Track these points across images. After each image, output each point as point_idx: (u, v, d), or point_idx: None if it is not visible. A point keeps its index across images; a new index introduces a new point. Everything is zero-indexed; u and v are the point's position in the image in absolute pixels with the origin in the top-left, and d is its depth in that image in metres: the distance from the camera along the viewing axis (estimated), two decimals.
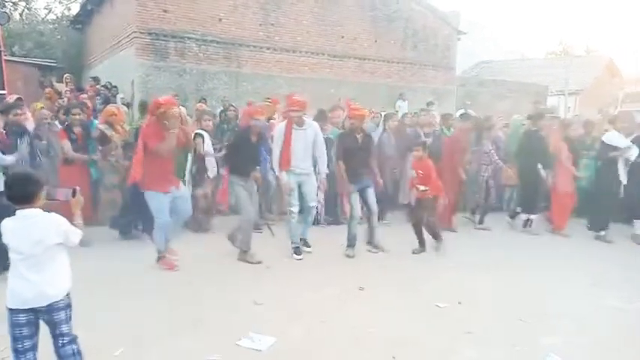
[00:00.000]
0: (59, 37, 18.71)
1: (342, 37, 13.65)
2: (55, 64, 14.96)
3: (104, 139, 5.47)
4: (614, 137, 6.24)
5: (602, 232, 6.30)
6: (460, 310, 3.87)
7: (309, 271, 4.76)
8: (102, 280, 4.23)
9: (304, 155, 5.07)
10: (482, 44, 26.43)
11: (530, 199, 6.53)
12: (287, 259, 5.06)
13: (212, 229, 6.03)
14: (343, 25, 13.60)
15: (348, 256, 5.20)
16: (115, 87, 11.31)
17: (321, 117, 6.38)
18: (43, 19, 20.90)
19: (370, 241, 5.45)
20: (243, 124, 5.64)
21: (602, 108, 11.54)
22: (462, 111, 8.67)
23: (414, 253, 5.36)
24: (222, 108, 9.05)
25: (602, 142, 6.34)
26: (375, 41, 14.21)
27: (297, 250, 5.13)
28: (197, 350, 3.09)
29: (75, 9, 18.82)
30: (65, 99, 8.89)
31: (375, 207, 5.34)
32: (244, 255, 4.90)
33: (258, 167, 5.10)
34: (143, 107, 6.17)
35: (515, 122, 7.94)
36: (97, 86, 11.41)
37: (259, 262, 4.82)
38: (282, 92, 11.71)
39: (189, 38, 11.59)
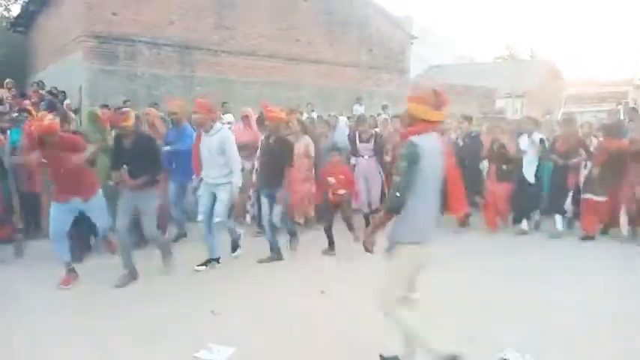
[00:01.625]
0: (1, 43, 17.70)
1: (298, 40, 13.68)
2: None
3: None
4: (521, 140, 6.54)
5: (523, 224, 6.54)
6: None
7: (271, 277, 4.71)
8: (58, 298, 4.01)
9: (210, 163, 4.69)
10: (434, 49, 27.22)
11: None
12: (246, 265, 4.99)
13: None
14: (299, 29, 13.65)
15: (261, 261, 5.06)
16: (63, 92, 10.81)
17: (260, 120, 6.28)
18: None
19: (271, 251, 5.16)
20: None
21: (547, 109, 12.12)
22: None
23: (324, 254, 5.40)
24: None
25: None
26: (331, 45, 14.34)
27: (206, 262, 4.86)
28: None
29: (16, 11, 17.87)
30: (7, 105, 8.40)
31: (274, 220, 5.04)
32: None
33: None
34: (92, 117, 5.83)
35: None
36: (42, 92, 10.85)
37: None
38: (237, 96, 11.62)
39: (139, 41, 11.25)
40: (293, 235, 5.49)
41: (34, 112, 5.80)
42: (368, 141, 6.28)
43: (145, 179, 4.31)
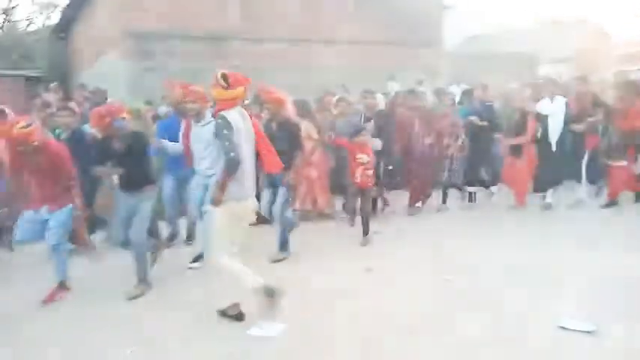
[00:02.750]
0: (43, 47, 18.52)
1: (327, 23, 13.50)
2: (41, 75, 14.81)
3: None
4: (543, 105, 6.17)
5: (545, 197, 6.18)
6: (465, 282, 3.87)
7: (307, 262, 4.71)
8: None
9: (202, 154, 4.33)
10: (469, 18, 26.24)
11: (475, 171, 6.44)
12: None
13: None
14: (327, 12, 13.46)
15: (273, 260, 4.60)
16: (105, 91, 11.21)
17: (256, 102, 5.92)
18: (24, 30, 20.66)
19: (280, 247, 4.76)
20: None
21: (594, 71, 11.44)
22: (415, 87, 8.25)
23: (362, 245, 5.02)
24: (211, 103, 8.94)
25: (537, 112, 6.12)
26: (361, 24, 14.07)
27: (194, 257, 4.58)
28: (211, 340, 3.10)
29: (56, 18, 18.61)
30: (54, 108, 8.79)
31: (279, 211, 4.60)
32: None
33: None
34: (136, 114, 6.00)
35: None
36: (85, 92, 11.29)
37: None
38: (270, 83, 11.64)
39: (172, 37, 11.46)
40: (282, 237, 4.73)
41: (76, 111, 6.00)
42: (371, 120, 6.00)
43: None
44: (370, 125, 5.81)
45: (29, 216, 3.91)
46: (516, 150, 6.11)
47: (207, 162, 4.28)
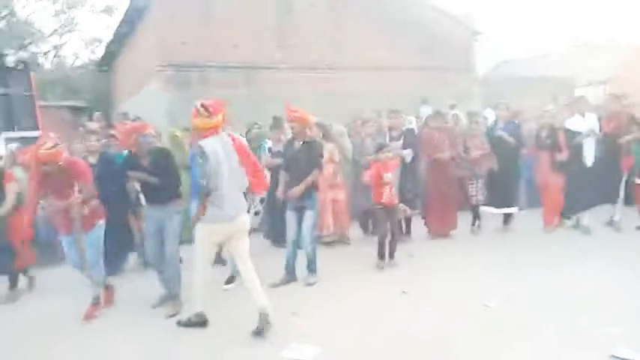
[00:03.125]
0: (88, 80, 19.54)
1: (358, 49, 13.73)
2: (85, 106, 15.59)
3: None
4: (574, 122, 5.90)
5: (579, 219, 5.95)
6: (509, 309, 3.72)
7: (339, 286, 4.66)
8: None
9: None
10: (500, 44, 26.12)
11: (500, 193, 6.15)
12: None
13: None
14: (358, 38, 13.70)
15: (274, 285, 4.44)
16: (143, 119, 11.69)
17: (276, 125, 5.98)
18: (71, 65, 21.89)
19: (309, 267, 4.68)
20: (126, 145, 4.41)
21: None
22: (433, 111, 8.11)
23: (377, 267, 4.89)
24: (246, 129, 9.15)
25: (567, 128, 5.93)
26: (393, 50, 14.22)
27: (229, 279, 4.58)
28: None
29: (100, 52, 19.64)
30: (98, 136, 9.20)
31: (308, 233, 4.52)
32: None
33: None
34: (172, 138, 6.30)
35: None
36: (126, 121, 11.79)
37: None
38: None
39: (209, 67, 11.90)
40: (311, 260, 4.66)
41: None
42: (399, 138, 5.97)
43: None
44: (397, 144, 5.77)
45: (67, 241, 3.97)
46: (549, 167, 5.95)
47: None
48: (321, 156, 4.73)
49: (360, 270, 4.93)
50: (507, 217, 6.27)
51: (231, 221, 3.51)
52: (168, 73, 11.49)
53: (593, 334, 3.17)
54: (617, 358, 2.84)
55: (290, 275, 4.65)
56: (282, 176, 4.78)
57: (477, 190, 6.16)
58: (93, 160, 4.92)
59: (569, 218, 6.16)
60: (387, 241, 4.95)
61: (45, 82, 17.51)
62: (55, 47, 21.21)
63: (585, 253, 5.10)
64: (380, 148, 5.09)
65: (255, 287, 3.52)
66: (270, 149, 6.09)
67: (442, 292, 4.17)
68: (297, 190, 4.46)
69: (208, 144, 3.37)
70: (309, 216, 4.53)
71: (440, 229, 6.10)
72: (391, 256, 4.97)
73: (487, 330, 3.36)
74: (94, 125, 11.31)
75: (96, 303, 4.06)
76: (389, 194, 4.93)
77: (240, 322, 3.78)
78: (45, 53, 20.89)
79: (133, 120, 11.62)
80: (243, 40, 12.26)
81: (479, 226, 6.30)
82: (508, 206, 6.19)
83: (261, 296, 3.50)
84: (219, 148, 3.40)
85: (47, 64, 21.04)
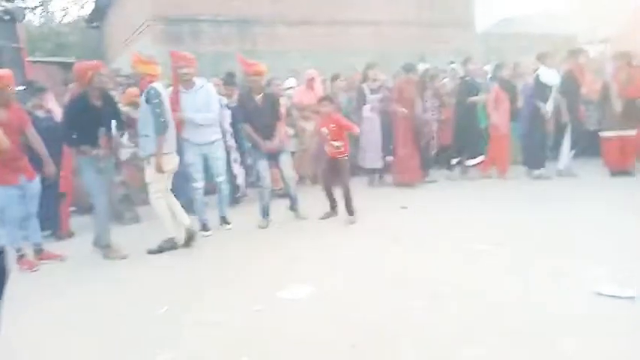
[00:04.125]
0: (77, 37, 19.02)
1: (354, 4, 13.33)
2: (75, 62, 15.26)
3: (130, 122, 5.45)
4: (545, 75, 6.31)
5: (541, 170, 6.39)
6: (498, 251, 3.78)
7: (333, 232, 4.73)
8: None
9: (196, 123, 4.48)
10: (502, 1, 25.43)
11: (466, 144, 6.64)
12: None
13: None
14: None
15: (260, 227, 4.82)
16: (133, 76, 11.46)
17: (230, 81, 6.03)
18: (60, 21, 21.25)
19: (292, 208, 5.09)
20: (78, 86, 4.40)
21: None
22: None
23: (322, 218, 4.98)
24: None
25: (537, 80, 6.37)
26: (389, 5, 13.83)
27: (204, 227, 4.71)
28: (240, 302, 3.15)
29: (89, 7, 19.03)
30: None
31: (290, 173, 4.91)
32: (107, 251, 4.21)
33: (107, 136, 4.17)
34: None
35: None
36: (117, 78, 11.55)
37: (124, 257, 4.18)
38: (298, 67, 11.63)
39: (201, 21, 11.55)
40: (296, 199, 5.08)
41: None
42: (377, 92, 6.35)
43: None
44: (374, 97, 6.33)
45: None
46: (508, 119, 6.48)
47: (204, 129, 4.53)
48: (279, 108, 4.96)
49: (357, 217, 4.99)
50: (472, 167, 6.68)
51: (173, 154, 4.22)
52: (159, 28, 11.16)
53: (580, 273, 3.23)
54: (602, 294, 2.89)
55: (267, 219, 4.93)
56: (247, 129, 4.86)
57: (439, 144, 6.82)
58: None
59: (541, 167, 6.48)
60: (332, 192, 4.98)
61: (33, 38, 17.03)
62: (43, 2, 20.51)
63: (565, 197, 5.37)
64: (320, 101, 5.01)
65: (179, 211, 4.25)
66: (227, 105, 5.84)
67: (434, 238, 4.23)
68: (273, 145, 4.75)
69: (158, 86, 4.04)
70: (285, 159, 4.91)
71: (403, 179, 6.36)
72: (349, 212, 4.82)
73: (476, 270, 3.42)
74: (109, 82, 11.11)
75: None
76: (331, 147, 4.79)
77: (235, 262, 3.86)
78: (33, 8, 20.21)
79: (126, 77, 11.42)
80: None
81: (449, 169, 6.74)
82: (475, 156, 6.59)
83: (185, 218, 4.26)
84: (164, 92, 4.11)
85: (35, 20, 20.42)
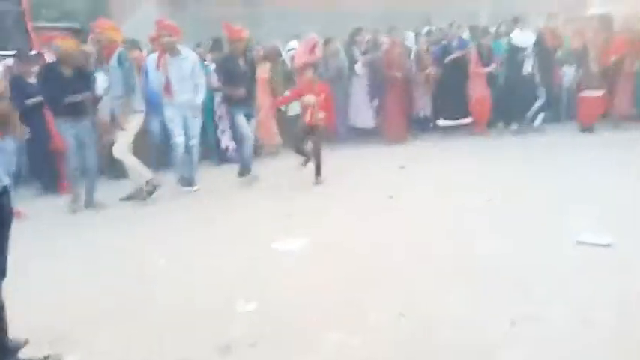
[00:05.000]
0: (82, 2, 18.85)
1: None
2: (80, 28, 15.21)
3: None
4: (517, 37, 6.66)
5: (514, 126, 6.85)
6: (488, 209, 3.91)
7: (329, 188, 4.87)
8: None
9: (181, 87, 4.71)
10: None
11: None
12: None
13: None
14: None
15: (242, 182, 5.04)
16: (138, 42, 11.43)
17: (217, 47, 6.21)
18: None
19: (241, 173, 5.14)
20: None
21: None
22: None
23: (302, 165, 5.12)
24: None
25: (509, 43, 6.76)
26: None
27: (184, 181, 4.94)
28: (238, 252, 3.33)
29: None
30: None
31: (249, 134, 5.04)
32: (73, 205, 4.53)
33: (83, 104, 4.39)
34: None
35: None
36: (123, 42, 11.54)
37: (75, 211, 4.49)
38: (302, 29, 11.52)
39: None
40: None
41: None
42: (366, 54, 6.55)
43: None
44: (365, 58, 6.57)
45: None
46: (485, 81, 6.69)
47: (187, 94, 4.73)
48: (255, 73, 5.31)
49: (349, 178, 5.16)
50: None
51: (139, 113, 4.61)
52: None
53: (564, 226, 3.36)
54: (583, 242, 3.03)
55: (249, 174, 5.14)
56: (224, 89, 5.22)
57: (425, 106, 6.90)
58: None
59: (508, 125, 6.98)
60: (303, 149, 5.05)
61: (38, 4, 16.94)
62: None
63: (545, 155, 5.65)
64: (302, 66, 5.26)
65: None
66: (215, 71, 5.93)
67: (428, 197, 4.35)
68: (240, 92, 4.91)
69: (125, 53, 4.48)
70: (252, 123, 5.16)
71: (392, 138, 6.62)
72: (317, 172, 4.93)
73: (468, 226, 3.55)
74: (88, 47, 11.15)
75: None
76: (309, 115, 4.85)
77: (232, 216, 4.03)
78: None
79: (129, 42, 11.40)
80: None
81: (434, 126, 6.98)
82: (463, 117, 6.83)
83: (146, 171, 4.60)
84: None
85: None
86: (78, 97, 4.30)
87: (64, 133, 4.43)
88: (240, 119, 5.03)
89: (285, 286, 2.79)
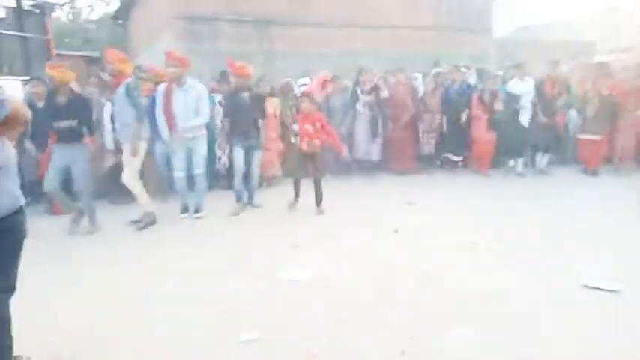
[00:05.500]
0: (103, 33, 19.59)
1: (373, 6, 13.50)
2: (100, 57, 15.73)
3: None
4: (513, 85, 6.91)
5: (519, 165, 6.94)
6: (495, 246, 3.91)
7: (334, 220, 4.90)
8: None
9: (185, 117, 4.83)
10: (522, 10, 25.28)
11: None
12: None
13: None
14: None
15: (232, 214, 5.12)
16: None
17: (224, 79, 6.42)
18: (86, 18, 21.90)
19: (249, 202, 5.40)
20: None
21: None
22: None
23: (290, 207, 5.20)
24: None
25: (505, 90, 6.93)
26: (408, 9, 13.96)
27: (195, 209, 5.10)
28: (244, 282, 3.34)
29: (115, 5, 19.59)
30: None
31: (256, 171, 5.26)
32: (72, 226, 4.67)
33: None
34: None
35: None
36: (141, 74, 11.90)
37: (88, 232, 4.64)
38: (314, 67, 11.83)
39: (222, 20, 11.86)
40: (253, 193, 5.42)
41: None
42: (369, 93, 6.71)
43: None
44: (367, 98, 6.72)
45: None
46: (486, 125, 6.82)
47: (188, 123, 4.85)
48: (264, 107, 5.39)
49: (355, 210, 5.19)
50: (455, 163, 7.14)
51: (145, 140, 4.81)
52: (180, 26, 11.48)
53: (570, 267, 3.35)
54: (589, 286, 3.01)
55: (242, 204, 5.30)
56: (226, 122, 5.39)
57: (429, 143, 7.13)
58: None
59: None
60: (300, 184, 5.18)
61: (61, 33, 17.62)
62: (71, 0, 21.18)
63: (548, 194, 5.76)
64: (301, 97, 5.33)
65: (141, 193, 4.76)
66: (220, 102, 6.21)
67: (433, 231, 4.37)
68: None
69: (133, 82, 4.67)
70: (256, 155, 5.24)
71: (399, 169, 6.98)
72: (317, 203, 5.05)
73: (473, 263, 3.56)
74: (106, 76, 11.51)
75: None
76: (307, 143, 4.98)
77: (242, 245, 4.05)
78: (61, 5, 20.87)
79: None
80: None
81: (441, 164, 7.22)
82: (461, 154, 7.13)
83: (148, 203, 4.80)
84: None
85: (63, 16, 21.08)
86: (66, 124, 4.49)
87: (53, 155, 4.63)
88: (236, 153, 5.17)
89: (289, 317, 2.79)
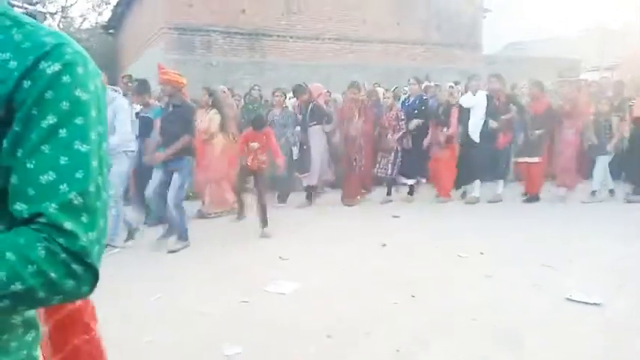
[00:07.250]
0: (94, 43, 19.57)
1: (365, 21, 13.68)
2: None
3: None
4: (466, 99, 6.31)
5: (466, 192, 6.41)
6: (478, 260, 3.94)
7: (323, 234, 4.90)
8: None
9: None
10: (511, 26, 25.78)
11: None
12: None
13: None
14: (365, 9, 13.64)
15: (170, 251, 4.30)
16: (146, 80, 11.77)
17: (144, 89, 5.60)
18: (78, 27, 21.87)
19: (165, 235, 4.50)
20: None
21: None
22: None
23: (238, 219, 5.17)
24: (246, 91, 9.30)
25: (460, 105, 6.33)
26: (398, 24, 14.17)
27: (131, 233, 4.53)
28: (231, 294, 3.32)
29: (107, 15, 19.65)
30: None
31: (172, 196, 4.26)
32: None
33: None
34: None
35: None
36: (130, 84, 11.89)
37: None
38: (305, 80, 11.90)
39: (214, 31, 11.92)
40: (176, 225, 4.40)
41: None
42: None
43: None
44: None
45: None
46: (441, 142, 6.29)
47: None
48: (192, 121, 4.53)
49: (343, 225, 5.20)
50: (411, 187, 6.51)
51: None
52: (172, 36, 11.53)
53: (551, 282, 3.39)
54: (572, 300, 3.04)
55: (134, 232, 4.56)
56: (152, 139, 4.78)
57: (392, 165, 6.36)
58: None
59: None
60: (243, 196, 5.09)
61: None
62: (63, 9, 21.17)
63: (530, 217, 5.55)
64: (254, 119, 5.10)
65: None
66: (137, 114, 5.68)
67: (419, 246, 4.39)
68: (159, 156, 4.34)
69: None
70: (175, 179, 4.29)
71: (347, 196, 6.30)
72: (263, 222, 4.74)
73: (455, 274, 3.57)
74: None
75: None
76: (253, 160, 4.85)
77: (227, 259, 4.03)
78: (52, 14, 20.83)
79: (136, 81, 11.73)
80: (250, 6, 12.23)
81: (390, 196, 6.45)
82: (417, 177, 6.52)
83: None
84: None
85: (54, 26, 21.03)
86: None
87: None
88: (155, 173, 4.43)
89: (274, 330, 2.78)
